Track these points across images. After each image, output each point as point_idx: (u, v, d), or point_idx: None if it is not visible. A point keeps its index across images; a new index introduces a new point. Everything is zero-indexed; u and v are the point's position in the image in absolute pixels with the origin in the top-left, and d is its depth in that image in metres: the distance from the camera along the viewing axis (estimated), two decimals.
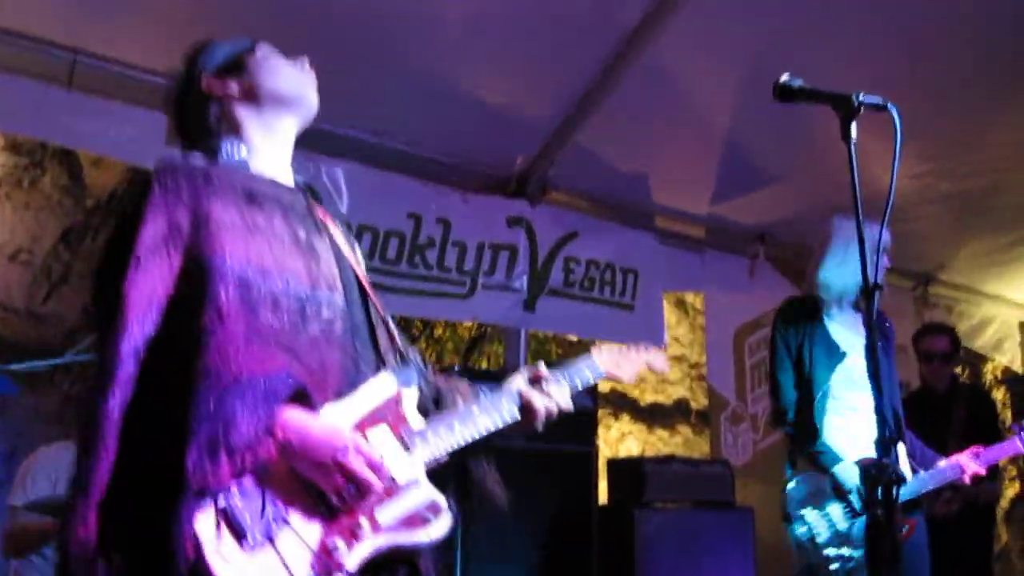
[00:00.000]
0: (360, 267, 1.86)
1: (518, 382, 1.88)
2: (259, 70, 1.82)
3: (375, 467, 1.52)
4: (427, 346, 6.06)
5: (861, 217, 1.79)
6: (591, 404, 4.34)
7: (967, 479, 3.33)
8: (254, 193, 1.68)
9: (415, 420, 1.70)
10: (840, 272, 3.32)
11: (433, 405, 1.86)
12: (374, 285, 1.88)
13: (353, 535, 1.51)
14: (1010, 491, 7.98)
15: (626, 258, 4.76)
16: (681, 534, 4.15)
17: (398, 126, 3.97)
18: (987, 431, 4.34)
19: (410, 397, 1.71)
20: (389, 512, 1.56)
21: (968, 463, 3.33)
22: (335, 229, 1.86)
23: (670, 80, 3.85)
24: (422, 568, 1.64)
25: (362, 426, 1.60)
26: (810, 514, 3.15)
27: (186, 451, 1.39)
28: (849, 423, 3.23)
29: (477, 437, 1.75)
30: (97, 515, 1.39)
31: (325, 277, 1.69)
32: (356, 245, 1.94)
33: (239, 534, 1.41)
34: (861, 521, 3.08)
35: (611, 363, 2.12)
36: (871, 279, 1.79)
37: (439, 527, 1.60)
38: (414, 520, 1.58)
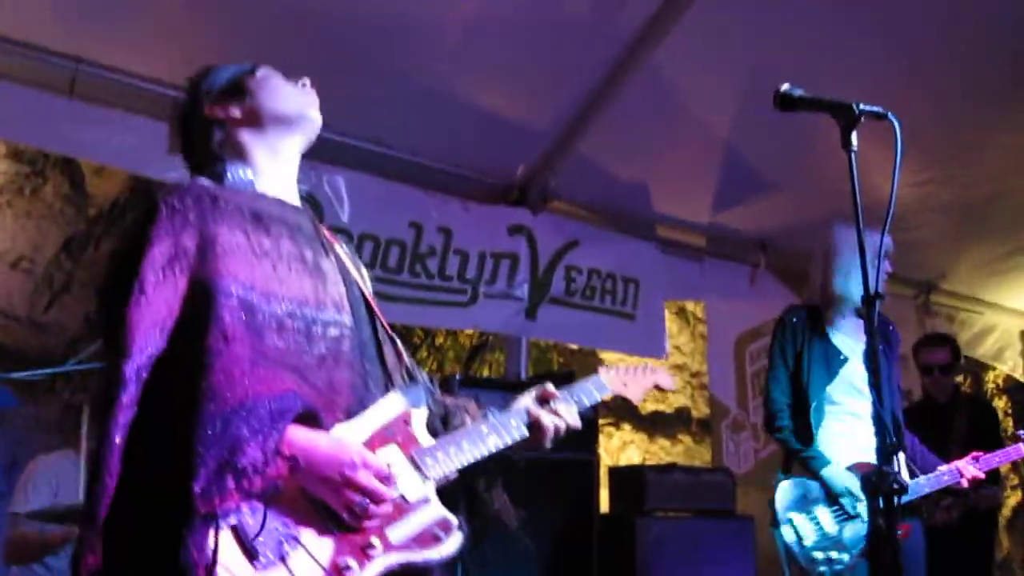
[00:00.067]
0: (366, 286, 1.87)
1: (526, 401, 1.89)
2: (260, 92, 1.83)
3: (384, 478, 1.52)
4: (428, 354, 6.06)
5: (862, 225, 1.80)
6: (592, 413, 4.33)
7: (965, 483, 3.33)
8: (261, 215, 1.69)
9: (424, 439, 1.70)
10: (856, 282, 3.32)
11: (441, 424, 1.86)
12: (375, 294, 1.89)
13: (365, 554, 1.50)
14: (1012, 500, 7.95)
15: (627, 267, 4.76)
16: (682, 542, 4.14)
17: (400, 135, 3.97)
18: (988, 440, 4.32)
19: (419, 416, 1.72)
20: (400, 530, 1.56)
21: (966, 467, 3.34)
22: (341, 249, 1.87)
23: (671, 89, 3.85)
24: None
25: (372, 445, 1.60)
26: (797, 517, 3.14)
27: (193, 475, 1.38)
28: (849, 429, 3.24)
29: (486, 455, 1.76)
30: (103, 540, 1.39)
31: (332, 297, 1.70)
32: (362, 266, 1.95)
33: (251, 554, 1.41)
34: (852, 525, 3.09)
35: (618, 382, 2.14)
36: (873, 287, 1.80)
37: (450, 544, 1.60)
38: (425, 538, 1.58)
